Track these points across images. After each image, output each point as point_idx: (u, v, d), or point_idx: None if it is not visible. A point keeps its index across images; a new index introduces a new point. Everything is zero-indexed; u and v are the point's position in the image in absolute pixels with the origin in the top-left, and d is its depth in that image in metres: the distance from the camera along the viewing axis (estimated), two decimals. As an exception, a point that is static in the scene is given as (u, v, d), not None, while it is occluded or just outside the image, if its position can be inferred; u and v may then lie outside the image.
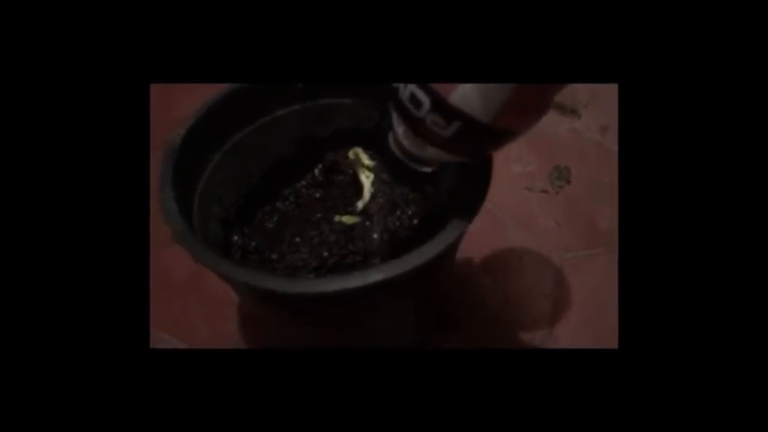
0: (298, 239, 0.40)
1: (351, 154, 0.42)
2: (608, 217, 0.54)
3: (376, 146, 0.42)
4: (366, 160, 0.42)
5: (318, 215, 0.42)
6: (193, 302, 0.46)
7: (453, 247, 0.31)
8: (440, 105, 0.24)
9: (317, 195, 0.44)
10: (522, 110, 0.25)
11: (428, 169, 0.31)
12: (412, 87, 0.25)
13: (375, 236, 0.41)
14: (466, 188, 0.35)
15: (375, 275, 0.29)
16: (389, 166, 0.31)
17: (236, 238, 0.41)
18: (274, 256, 0.40)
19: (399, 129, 0.28)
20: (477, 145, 0.27)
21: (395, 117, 0.28)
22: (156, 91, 0.33)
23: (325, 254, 0.39)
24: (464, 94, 0.23)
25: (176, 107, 0.37)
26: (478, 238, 0.51)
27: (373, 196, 0.43)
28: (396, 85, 0.26)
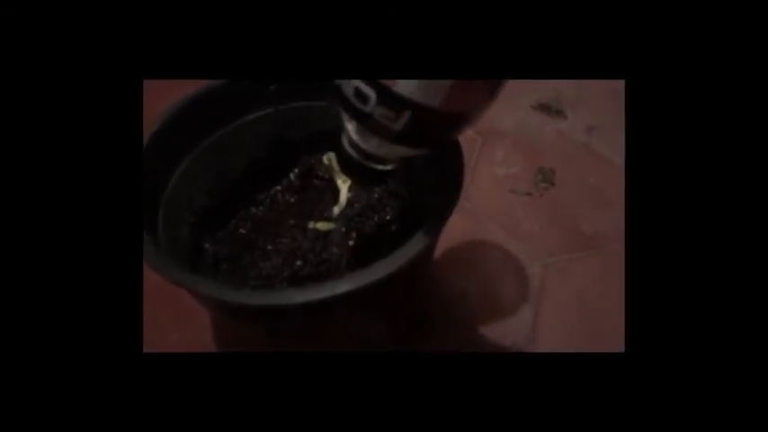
0: (270, 247, 0.39)
1: (325, 159, 0.41)
2: (593, 220, 0.53)
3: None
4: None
5: (292, 221, 0.41)
6: (164, 312, 0.45)
7: (425, 253, 0.30)
8: (386, 96, 0.23)
9: (293, 200, 0.43)
10: (471, 90, 0.24)
11: (388, 167, 0.29)
12: (355, 82, 0.24)
13: (351, 243, 0.40)
14: (441, 192, 0.34)
15: (342, 286, 0.28)
16: (348, 168, 0.29)
17: (207, 245, 0.40)
18: (246, 265, 0.39)
19: (350, 127, 0.27)
20: (430, 134, 0.26)
21: (344, 116, 0.26)
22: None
23: (299, 262, 0.38)
24: (409, 82, 0.22)
25: (156, 105, 0.35)
26: (460, 242, 0.50)
27: (350, 202, 0.42)
28: (337, 82, 0.25)
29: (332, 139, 0.43)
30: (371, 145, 0.27)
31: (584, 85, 0.64)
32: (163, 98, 0.37)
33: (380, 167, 0.29)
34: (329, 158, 0.41)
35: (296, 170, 0.44)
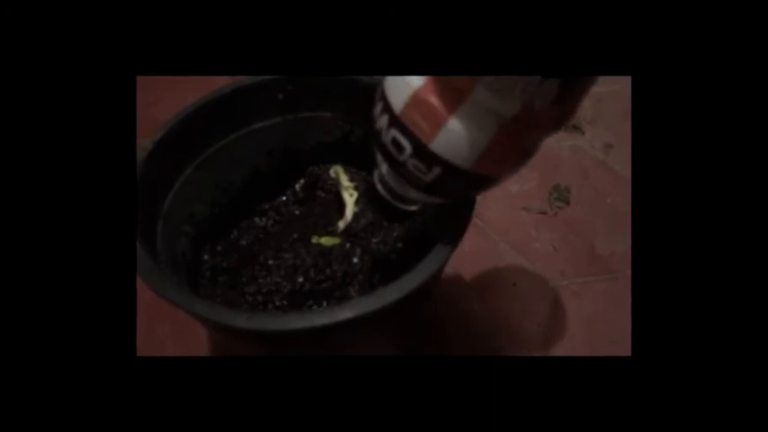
0: (272, 262, 0.38)
1: (332, 172, 0.40)
2: (608, 242, 0.51)
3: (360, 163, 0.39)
4: (346, 181, 0.39)
5: (296, 235, 0.39)
6: (161, 324, 0.44)
7: (433, 278, 0.29)
8: (420, 151, 0.24)
9: (297, 213, 0.42)
10: (502, 158, 0.25)
11: (413, 208, 0.31)
12: (393, 131, 0.25)
13: (355, 260, 0.38)
14: (451, 210, 0.32)
15: (343, 313, 0.26)
16: (375, 202, 0.31)
17: (206, 257, 0.38)
18: (245, 279, 0.37)
19: (383, 168, 0.28)
20: (458, 190, 0.27)
21: (378, 157, 0.27)
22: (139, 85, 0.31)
23: (301, 279, 0.37)
24: (445, 141, 0.24)
25: (156, 103, 0.34)
26: (470, 261, 0.49)
27: (356, 216, 0.40)
28: (376, 126, 0.26)
29: (339, 151, 0.42)
30: (401, 187, 0.28)
31: (602, 100, 0.62)
32: (172, 95, 0.35)
33: (406, 208, 0.30)
34: (336, 171, 0.40)
35: (301, 181, 0.42)
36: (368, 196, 0.31)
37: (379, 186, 0.30)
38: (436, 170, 0.25)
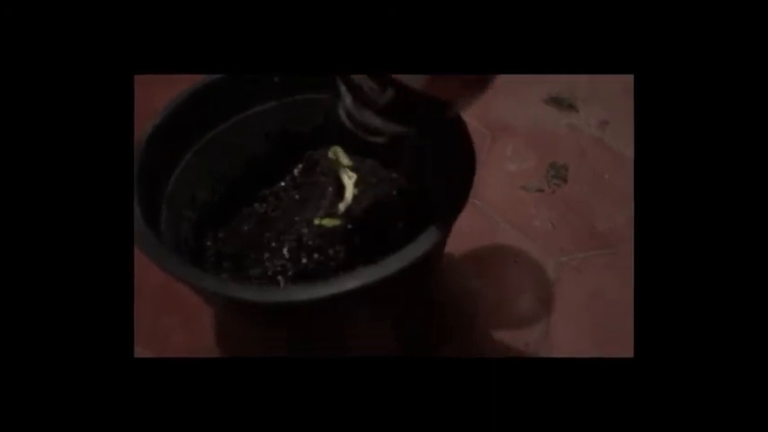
0: (275, 244, 0.38)
1: (330, 153, 0.40)
2: (607, 217, 0.51)
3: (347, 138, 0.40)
4: (345, 160, 0.39)
5: (297, 218, 0.40)
6: (166, 313, 0.44)
7: (435, 250, 0.29)
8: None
9: (297, 197, 0.42)
10: (449, 80, 0.24)
11: (379, 140, 0.30)
12: None
13: (357, 240, 0.39)
14: (451, 188, 0.32)
15: (350, 282, 0.26)
16: (340, 133, 0.31)
17: (209, 243, 0.38)
18: (250, 263, 0.37)
19: (346, 97, 0.28)
20: (414, 113, 0.26)
21: (341, 85, 0.27)
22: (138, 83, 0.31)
23: (305, 260, 0.37)
24: None
25: (157, 100, 0.34)
26: (470, 240, 0.49)
27: (356, 197, 0.41)
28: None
29: (337, 132, 0.42)
30: (362, 114, 0.28)
31: (596, 78, 0.62)
32: (171, 91, 0.35)
33: (371, 139, 0.30)
34: (335, 151, 0.40)
35: (300, 165, 0.42)
36: (333, 127, 0.30)
37: (342, 116, 0.29)
38: (390, 91, 0.24)
